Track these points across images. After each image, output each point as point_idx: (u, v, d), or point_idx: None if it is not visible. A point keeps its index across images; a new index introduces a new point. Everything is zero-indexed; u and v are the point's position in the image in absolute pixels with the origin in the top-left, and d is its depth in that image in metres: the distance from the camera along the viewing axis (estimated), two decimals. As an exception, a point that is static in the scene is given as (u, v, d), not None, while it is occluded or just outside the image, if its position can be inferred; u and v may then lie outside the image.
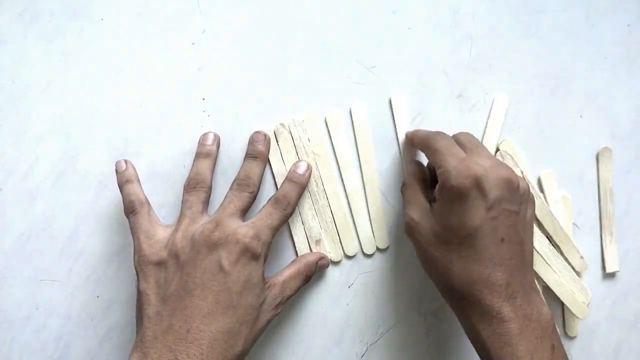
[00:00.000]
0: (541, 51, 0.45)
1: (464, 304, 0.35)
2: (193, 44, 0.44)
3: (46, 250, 0.43)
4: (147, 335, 0.35)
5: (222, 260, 0.36)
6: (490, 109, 0.45)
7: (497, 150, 0.44)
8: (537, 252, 0.43)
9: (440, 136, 0.38)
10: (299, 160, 0.43)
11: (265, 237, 0.38)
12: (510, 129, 0.45)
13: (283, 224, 0.40)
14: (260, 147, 0.42)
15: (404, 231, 0.39)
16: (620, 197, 0.45)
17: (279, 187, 0.42)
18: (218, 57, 0.44)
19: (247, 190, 0.40)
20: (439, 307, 0.44)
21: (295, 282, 0.40)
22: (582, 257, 0.44)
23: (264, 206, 0.40)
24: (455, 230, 0.35)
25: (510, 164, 0.43)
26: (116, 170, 0.41)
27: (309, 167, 0.42)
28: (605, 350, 0.45)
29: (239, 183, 0.40)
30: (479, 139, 0.44)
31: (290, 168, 0.42)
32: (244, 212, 0.40)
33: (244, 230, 0.37)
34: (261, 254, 0.37)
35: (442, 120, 0.45)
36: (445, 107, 0.45)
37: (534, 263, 0.43)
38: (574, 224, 0.45)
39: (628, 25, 0.46)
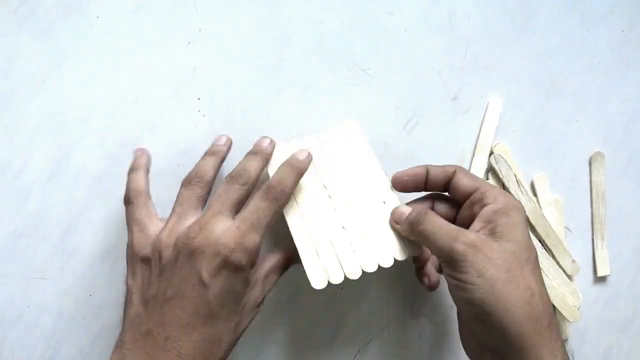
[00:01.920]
0: (536, 55, 0.45)
1: None
2: (189, 43, 0.44)
3: (39, 248, 0.43)
4: (127, 337, 0.34)
5: (201, 271, 0.33)
6: (485, 112, 0.45)
7: (491, 153, 0.44)
8: (530, 255, 0.43)
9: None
10: (301, 149, 0.39)
11: (251, 244, 0.34)
12: (505, 132, 0.45)
13: (277, 216, 0.36)
14: (264, 144, 0.39)
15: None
16: (612, 201, 0.45)
17: None
18: (214, 57, 0.44)
19: (239, 182, 0.36)
20: (433, 309, 0.44)
21: (275, 276, 0.38)
22: (573, 261, 0.44)
23: (252, 197, 0.36)
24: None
25: (504, 167, 0.44)
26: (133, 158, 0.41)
27: (309, 156, 0.38)
28: (595, 352, 0.45)
29: (232, 175, 0.37)
30: (473, 142, 0.45)
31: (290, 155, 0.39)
32: (236, 206, 0.36)
33: (226, 238, 0.34)
34: (246, 265, 0.34)
35: (437, 123, 0.45)
36: (440, 110, 0.45)
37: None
38: (566, 227, 0.45)
39: (622, 30, 0.46)
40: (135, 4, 0.44)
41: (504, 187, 0.44)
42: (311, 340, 0.44)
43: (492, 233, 0.34)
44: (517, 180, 0.44)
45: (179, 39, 0.44)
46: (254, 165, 0.37)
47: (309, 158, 0.38)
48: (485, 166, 0.44)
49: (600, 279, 0.45)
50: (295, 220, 0.38)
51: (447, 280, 0.35)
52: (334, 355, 0.44)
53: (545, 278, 0.43)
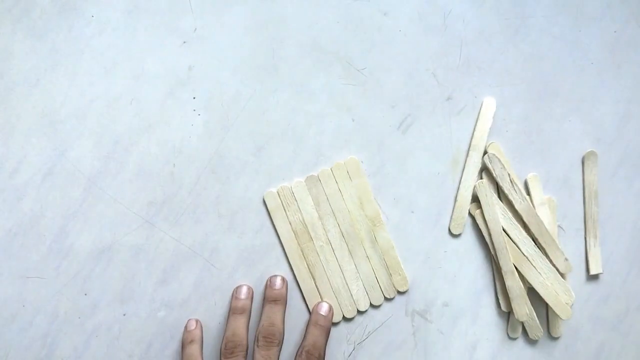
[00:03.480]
0: (530, 55, 0.46)
1: None
2: (184, 42, 0.44)
3: (33, 247, 0.43)
4: None
5: None
6: (479, 112, 0.45)
7: (485, 152, 0.45)
8: (523, 253, 0.44)
9: None
10: (322, 301, 0.42)
11: None
12: (498, 132, 0.45)
13: None
14: (277, 286, 0.41)
15: None
16: (604, 200, 0.46)
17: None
18: (209, 56, 0.44)
19: (274, 344, 0.39)
20: (426, 307, 0.45)
21: None
22: (566, 259, 0.44)
23: None
24: None
25: (497, 166, 0.44)
26: (185, 327, 0.42)
27: (331, 308, 0.42)
28: (587, 350, 0.46)
29: (264, 336, 0.39)
30: (467, 142, 0.45)
31: (313, 310, 0.42)
32: None
33: None
34: None
35: (431, 123, 0.45)
36: (435, 110, 0.45)
37: (520, 265, 0.44)
38: (559, 226, 0.45)
39: (615, 31, 0.46)
40: (130, 4, 0.44)
41: (497, 186, 0.44)
42: (306, 338, 0.44)
43: None
44: (510, 180, 0.44)
45: (175, 38, 0.44)
46: (279, 318, 0.40)
47: (331, 310, 0.41)
48: (479, 165, 0.45)
49: (592, 277, 0.46)
50: (301, 269, 0.43)
51: None
52: (329, 354, 0.44)
53: (538, 276, 0.44)
